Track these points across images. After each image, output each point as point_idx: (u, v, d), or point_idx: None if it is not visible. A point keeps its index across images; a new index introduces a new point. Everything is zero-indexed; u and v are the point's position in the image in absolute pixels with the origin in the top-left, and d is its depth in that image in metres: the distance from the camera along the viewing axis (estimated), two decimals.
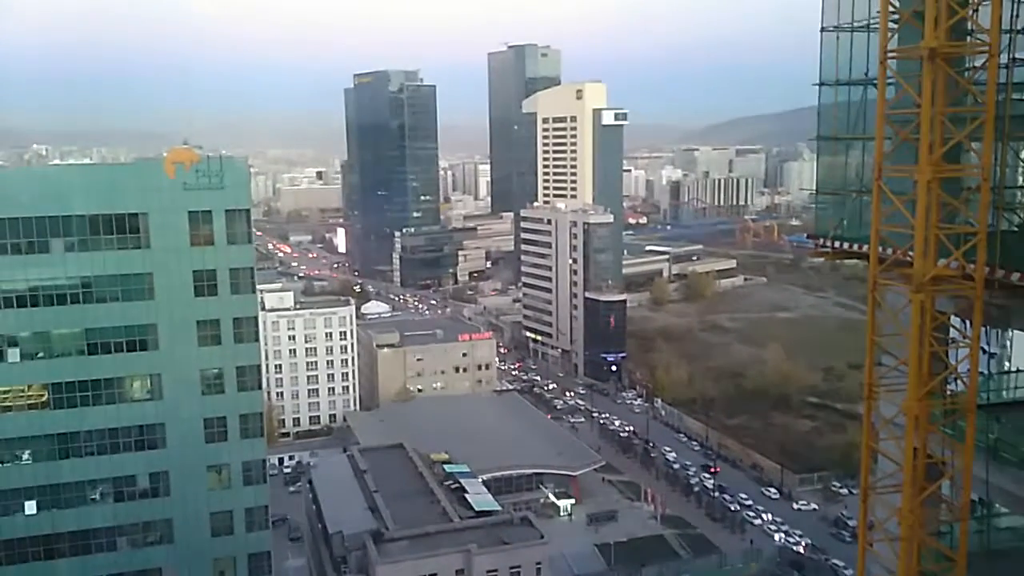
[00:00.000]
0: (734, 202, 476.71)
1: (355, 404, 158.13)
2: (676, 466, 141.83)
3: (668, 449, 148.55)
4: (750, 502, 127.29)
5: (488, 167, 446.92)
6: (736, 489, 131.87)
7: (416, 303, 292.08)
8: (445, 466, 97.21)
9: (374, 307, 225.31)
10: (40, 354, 59.16)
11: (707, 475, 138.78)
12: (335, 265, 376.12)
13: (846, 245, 26.15)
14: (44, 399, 59.54)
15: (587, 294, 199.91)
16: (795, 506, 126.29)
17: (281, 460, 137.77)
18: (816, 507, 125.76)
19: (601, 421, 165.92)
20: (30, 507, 59.50)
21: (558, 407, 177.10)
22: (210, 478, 63.78)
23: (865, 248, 23.92)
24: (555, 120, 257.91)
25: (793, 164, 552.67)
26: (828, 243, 26.96)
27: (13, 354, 58.18)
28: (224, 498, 63.93)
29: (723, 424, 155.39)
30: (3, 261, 56.69)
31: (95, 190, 59.33)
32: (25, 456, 59.71)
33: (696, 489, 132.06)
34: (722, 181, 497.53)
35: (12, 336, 57.99)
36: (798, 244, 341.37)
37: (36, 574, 60.65)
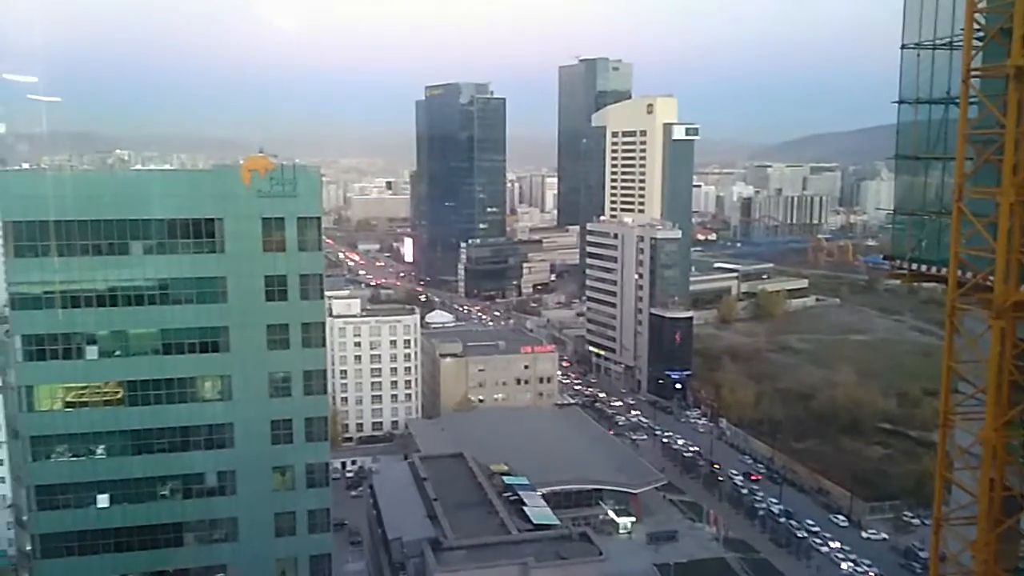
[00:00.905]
0: (807, 220, 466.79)
1: (417, 412, 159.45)
2: (741, 488, 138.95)
3: (736, 473, 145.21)
4: (817, 528, 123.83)
5: (555, 180, 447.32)
6: (802, 514, 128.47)
7: (479, 314, 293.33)
8: (504, 477, 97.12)
9: (438, 316, 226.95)
10: (117, 352, 61.22)
11: (749, 481, 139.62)
12: (401, 274, 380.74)
13: (924, 267, 25.37)
14: (120, 396, 61.60)
15: (652, 310, 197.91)
16: (864, 535, 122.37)
17: (344, 464, 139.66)
18: (886, 537, 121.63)
19: (664, 439, 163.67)
20: (102, 500, 61.52)
21: (620, 423, 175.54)
22: (275, 479, 65.08)
23: (944, 271, 23.18)
24: (624, 134, 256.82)
25: (870, 183, 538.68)
26: (905, 265, 26.22)
27: (92, 351, 60.35)
28: (288, 499, 65.11)
29: (790, 447, 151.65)
30: (85, 262, 58.96)
31: (174, 195, 61.28)
32: (100, 451, 61.84)
33: (761, 513, 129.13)
34: (795, 199, 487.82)
35: (91, 334, 60.20)
36: (874, 265, 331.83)
37: (106, 566, 62.68)
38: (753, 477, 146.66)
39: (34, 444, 60.47)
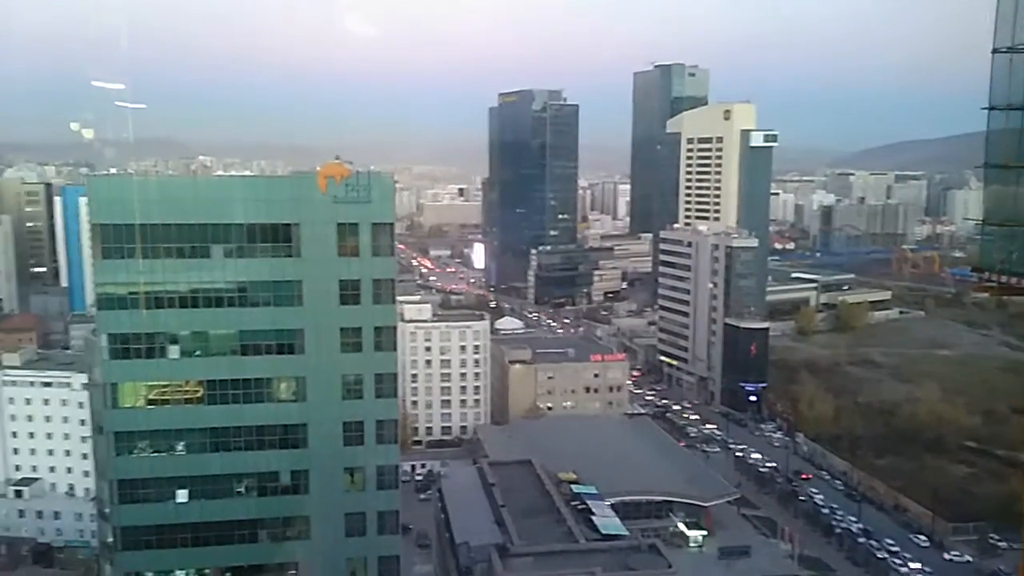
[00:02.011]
0: (891, 230, 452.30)
1: (485, 417, 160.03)
2: (820, 506, 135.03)
3: (815, 491, 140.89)
4: (896, 548, 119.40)
5: (628, 187, 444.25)
6: (881, 533, 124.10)
7: (549, 321, 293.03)
8: (572, 486, 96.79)
9: (508, 323, 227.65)
10: (198, 352, 63.05)
11: (800, 479, 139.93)
12: (472, 280, 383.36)
13: (1014, 280, 24.21)
14: (199, 395, 63.42)
15: (727, 320, 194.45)
16: (947, 556, 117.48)
17: (413, 467, 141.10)
18: (970, 559, 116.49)
19: (738, 453, 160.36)
20: (181, 496, 63.34)
21: (691, 435, 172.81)
22: (346, 480, 66.01)
23: None
24: (700, 140, 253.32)
25: (957, 192, 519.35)
26: (994, 277, 25.10)
27: (173, 351, 62.29)
28: (358, 500, 65.96)
29: (870, 464, 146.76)
30: (168, 264, 60.94)
31: (253, 200, 62.79)
32: (180, 447, 63.75)
33: (838, 530, 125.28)
34: (878, 208, 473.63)
35: (173, 334, 62.12)
36: (960, 277, 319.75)
37: (184, 559, 64.63)
38: (804, 476, 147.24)
39: (118, 440, 62.70)
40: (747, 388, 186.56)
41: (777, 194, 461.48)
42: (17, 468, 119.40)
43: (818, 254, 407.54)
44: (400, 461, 69.98)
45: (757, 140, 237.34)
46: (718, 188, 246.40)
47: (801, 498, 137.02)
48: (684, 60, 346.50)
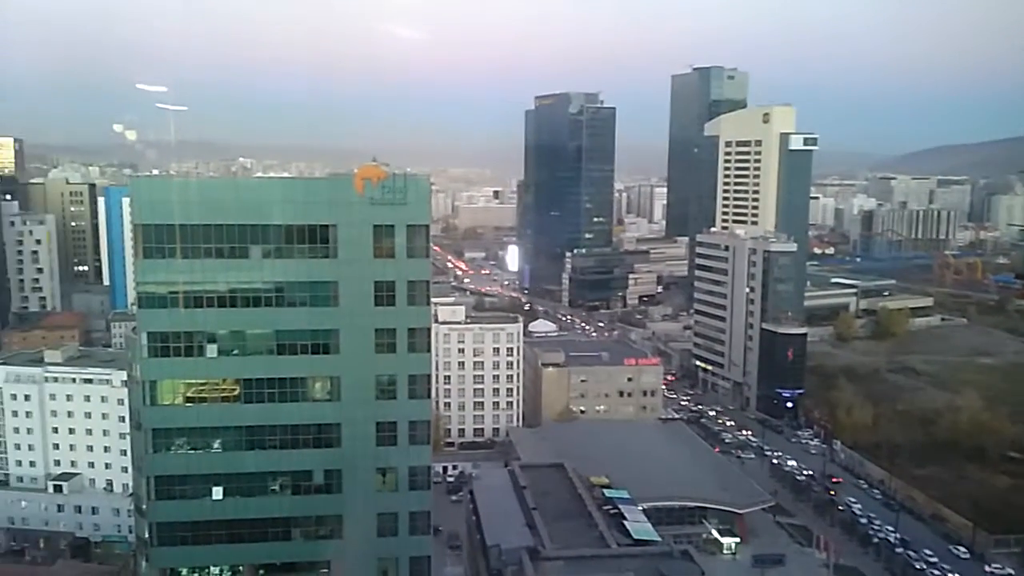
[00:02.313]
0: (933, 236, 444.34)
1: (518, 420, 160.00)
2: (858, 515, 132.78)
3: (853, 500, 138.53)
4: (935, 559, 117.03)
5: (664, 190, 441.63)
6: (920, 544, 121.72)
7: (583, 324, 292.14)
8: (605, 490, 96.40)
9: (541, 326, 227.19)
10: (235, 351, 63.69)
11: (830, 483, 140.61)
12: (506, 282, 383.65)
13: None
14: (236, 393, 64.03)
15: (764, 325, 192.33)
16: (988, 568, 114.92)
17: (445, 469, 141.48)
18: (1012, 572, 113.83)
19: (775, 460, 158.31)
20: (217, 493, 64.00)
21: (726, 440, 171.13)
22: (378, 480, 66.24)
23: None
24: (739, 144, 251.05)
25: (1002, 198, 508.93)
26: None
27: (211, 350, 62.98)
28: (390, 500, 66.16)
29: (909, 473, 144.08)
30: (208, 264, 61.68)
31: (291, 202, 63.30)
32: (216, 445, 64.45)
33: (875, 540, 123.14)
34: (920, 213, 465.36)
35: (212, 333, 62.83)
36: (1004, 284, 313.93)
37: (219, 556, 65.37)
38: (835, 480, 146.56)
39: (155, 436, 63.59)
40: (784, 394, 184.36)
41: (817, 198, 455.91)
42: (57, 463, 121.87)
43: (858, 259, 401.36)
44: (432, 462, 69.99)
45: (797, 143, 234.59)
46: (756, 192, 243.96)
47: (840, 508, 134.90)
48: (723, 63, 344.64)
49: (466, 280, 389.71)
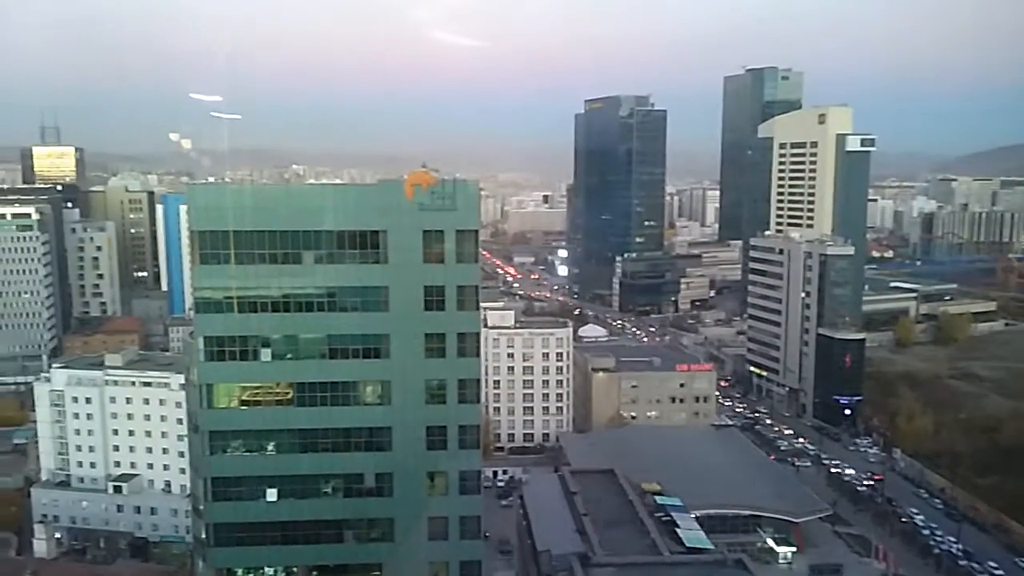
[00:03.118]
0: (996, 238, 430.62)
1: (568, 425, 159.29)
2: (919, 525, 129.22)
3: (916, 512, 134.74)
4: (1000, 572, 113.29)
5: (717, 193, 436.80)
6: (983, 555, 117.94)
7: (634, 329, 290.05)
8: (656, 497, 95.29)
9: (591, 331, 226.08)
10: (288, 355, 64.61)
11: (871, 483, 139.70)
12: (555, 287, 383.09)
13: None
14: (289, 396, 64.92)
15: (820, 330, 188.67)
16: None
17: (495, 473, 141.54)
18: None
19: (833, 469, 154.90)
20: (271, 495, 64.91)
21: (781, 448, 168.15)
22: (429, 483, 66.49)
23: None
24: (793, 145, 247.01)
25: None
26: None
27: (265, 354, 63.96)
28: (441, 504, 66.33)
29: (971, 482, 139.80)
30: (262, 270, 62.67)
31: (342, 208, 64.03)
32: (270, 447, 65.44)
33: (937, 551, 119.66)
34: (983, 215, 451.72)
35: (266, 338, 63.81)
36: None
37: (273, 556, 66.30)
38: (877, 477, 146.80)
39: (212, 439, 64.77)
40: (841, 401, 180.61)
41: (875, 200, 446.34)
42: (117, 464, 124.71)
43: (918, 263, 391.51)
44: (482, 467, 70.01)
45: (854, 144, 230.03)
46: (812, 194, 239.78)
47: (903, 519, 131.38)
48: (777, 63, 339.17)
49: (515, 285, 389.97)
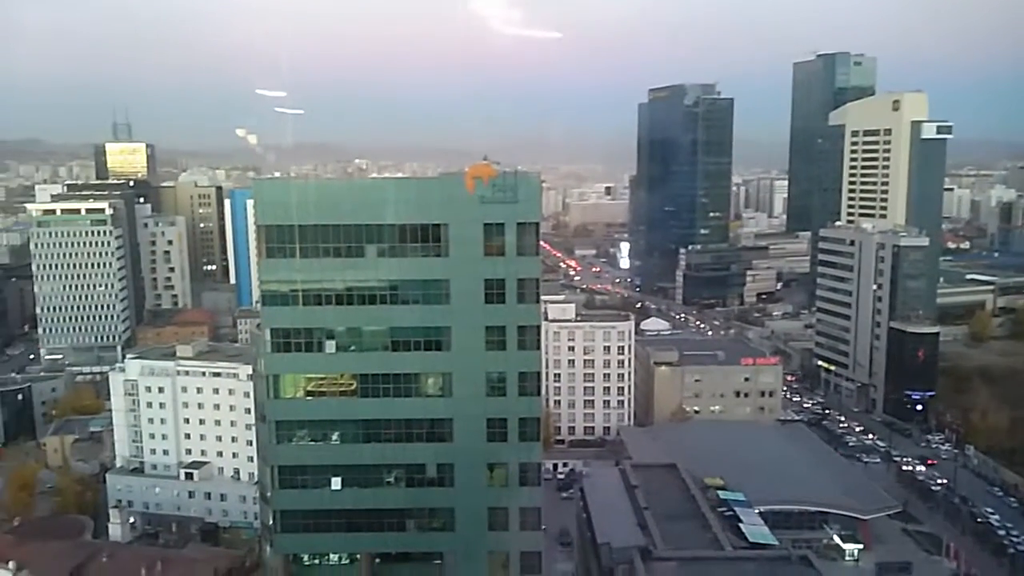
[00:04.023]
0: None
1: (629, 419, 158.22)
2: (993, 524, 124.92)
3: (990, 511, 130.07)
4: None
5: (785, 183, 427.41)
6: None
7: (697, 323, 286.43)
8: (719, 492, 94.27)
9: (653, 324, 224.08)
10: (352, 347, 65.88)
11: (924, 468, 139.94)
12: (617, 280, 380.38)
13: None
14: (353, 388, 66.22)
15: (892, 324, 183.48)
16: None
17: (555, 466, 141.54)
18: None
19: (904, 467, 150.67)
20: (336, 483, 66.45)
21: (850, 444, 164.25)
22: (489, 475, 67.08)
23: None
24: (866, 133, 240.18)
25: None
26: None
27: (330, 346, 65.37)
28: (501, 495, 66.90)
29: None
30: (327, 263, 64.01)
31: (405, 201, 64.88)
32: (335, 437, 66.91)
33: (1011, 551, 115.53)
34: None
35: (330, 330, 65.23)
36: None
37: (337, 543, 67.86)
38: (930, 462, 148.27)
39: (278, 428, 66.50)
40: (913, 396, 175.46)
41: (951, 190, 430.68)
42: (188, 452, 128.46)
43: (996, 254, 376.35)
44: (542, 459, 70.33)
45: (929, 132, 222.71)
46: (885, 183, 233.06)
47: (976, 518, 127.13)
48: (849, 48, 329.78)
49: (576, 278, 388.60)
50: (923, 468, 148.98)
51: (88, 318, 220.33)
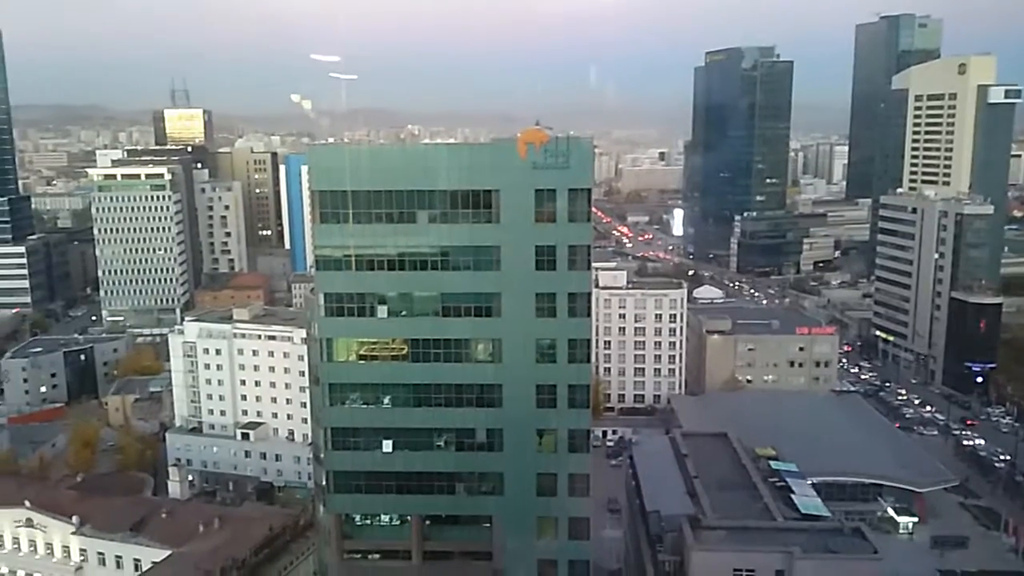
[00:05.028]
0: None
1: (680, 388, 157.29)
2: None
3: None
4: None
5: (845, 149, 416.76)
6: None
7: (752, 291, 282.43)
8: (771, 462, 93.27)
9: (706, 292, 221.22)
10: (403, 312, 66.22)
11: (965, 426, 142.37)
12: (670, 247, 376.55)
13: None
14: (404, 352, 66.65)
15: (954, 294, 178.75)
16: None
17: (604, 433, 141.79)
18: None
19: (965, 442, 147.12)
20: (387, 445, 67.26)
21: (907, 416, 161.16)
22: (538, 441, 67.24)
23: None
24: (930, 97, 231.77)
25: None
26: None
27: (382, 311, 65.81)
28: (549, 461, 67.01)
29: None
30: (379, 229, 64.20)
31: (456, 167, 64.45)
32: (386, 401, 67.63)
33: None
34: None
35: (382, 295, 65.61)
36: None
37: (388, 504, 68.85)
38: (969, 422, 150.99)
39: (331, 391, 67.45)
40: (973, 368, 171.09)
41: (1018, 156, 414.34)
42: (244, 413, 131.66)
43: None
44: (592, 426, 70.15)
45: (997, 96, 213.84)
46: (949, 150, 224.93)
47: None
48: (914, 9, 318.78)
49: (628, 245, 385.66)
50: (981, 441, 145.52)
51: (148, 281, 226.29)
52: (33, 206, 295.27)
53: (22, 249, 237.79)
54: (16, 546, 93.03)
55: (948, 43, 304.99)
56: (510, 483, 67.45)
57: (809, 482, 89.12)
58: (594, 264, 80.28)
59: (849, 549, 68.75)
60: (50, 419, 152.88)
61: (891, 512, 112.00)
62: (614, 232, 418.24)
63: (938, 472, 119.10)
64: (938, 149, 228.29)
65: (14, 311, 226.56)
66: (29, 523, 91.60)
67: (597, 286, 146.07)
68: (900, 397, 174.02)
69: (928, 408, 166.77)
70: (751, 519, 75.31)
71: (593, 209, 66.92)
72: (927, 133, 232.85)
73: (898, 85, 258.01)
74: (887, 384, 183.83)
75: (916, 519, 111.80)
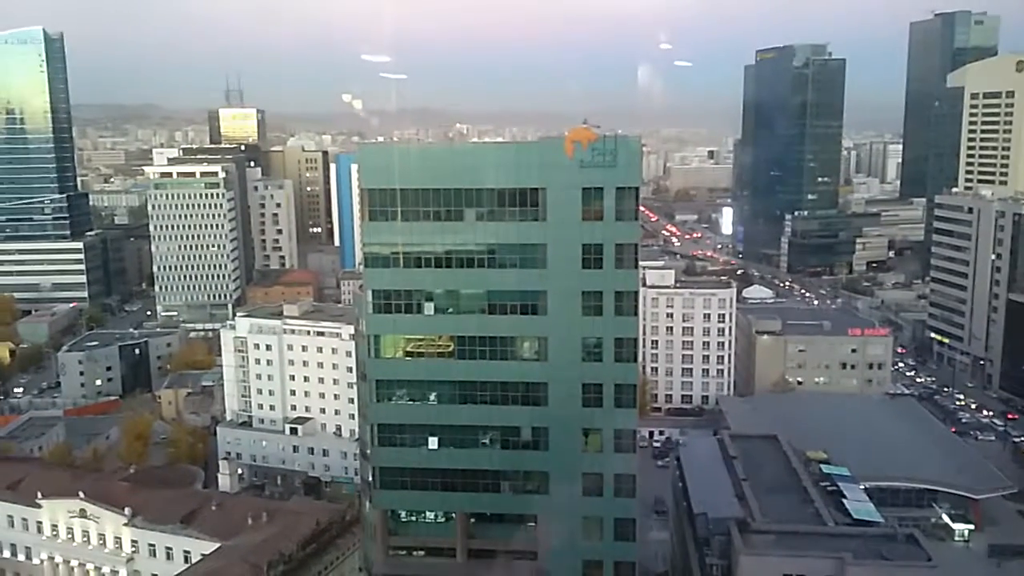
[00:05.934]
0: None
1: (728, 389, 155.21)
2: None
3: None
4: None
5: (899, 147, 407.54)
6: None
7: (802, 291, 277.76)
8: (822, 466, 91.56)
9: (756, 292, 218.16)
10: (450, 310, 66.50)
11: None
12: (719, 246, 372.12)
13: None
14: (450, 349, 66.96)
15: (1012, 296, 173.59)
16: None
17: (651, 434, 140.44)
18: None
19: (1023, 448, 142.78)
20: (433, 442, 67.60)
21: (963, 420, 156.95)
22: (584, 440, 66.89)
23: None
24: (987, 95, 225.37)
25: None
26: None
27: (428, 308, 66.15)
28: (595, 461, 66.61)
29: None
30: (427, 227, 64.56)
31: (503, 166, 64.56)
32: (432, 397, 67.95)
33: None
34: None
35: (429, 292, 65.97)
36: None
37: (433, 501, 69.20)
38: (1010, 416, 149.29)
39: (378, 387, 68.00)
40: None
41: None
42: (293, 408, 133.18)
43: None
44: (638, 426, 69.58)
45: None
46: (1007, 148, 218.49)
47: None
48: (970, 6, 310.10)
49: (676, 244, 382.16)
50: None
51: (201, 277, 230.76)
52: (91, 203, 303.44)
53: (80, 245, 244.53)
54: (70, 536, 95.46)
55: (1005, 40, 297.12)
56: (555, 482, 67.21)
57: (861, 487, 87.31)
58: (642, 263, 79.63)
59: (902, 556, 67.10)
60: (105, 412, 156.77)
61: (946, 519, 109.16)
62: (662, 231, 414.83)
63: (995, 478, 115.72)
64: (995, 148, 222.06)
65: (71, 305, 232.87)
66: (83, 514, 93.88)
67: (644, 285, 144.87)
68: (956, 401, 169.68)
69: (985, 412, 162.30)
70: (801, 523, 74.00)
71: (641, 207, 66.40)
72: (983, 131, 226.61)
73: (953, 83, 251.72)
74: (943, 388, 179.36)
75: (972, 526, 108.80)
